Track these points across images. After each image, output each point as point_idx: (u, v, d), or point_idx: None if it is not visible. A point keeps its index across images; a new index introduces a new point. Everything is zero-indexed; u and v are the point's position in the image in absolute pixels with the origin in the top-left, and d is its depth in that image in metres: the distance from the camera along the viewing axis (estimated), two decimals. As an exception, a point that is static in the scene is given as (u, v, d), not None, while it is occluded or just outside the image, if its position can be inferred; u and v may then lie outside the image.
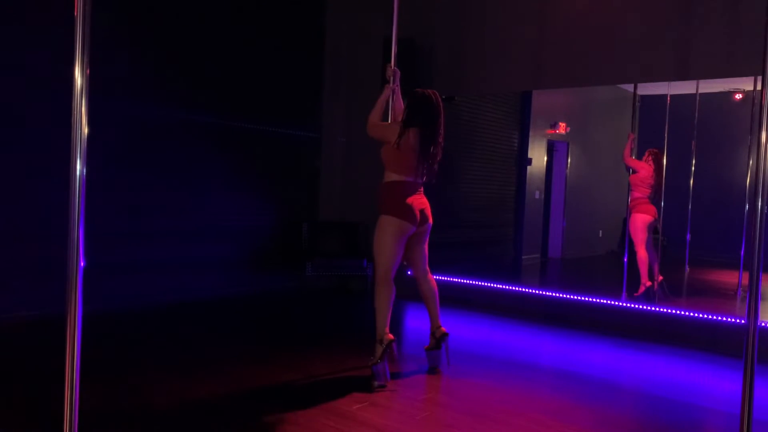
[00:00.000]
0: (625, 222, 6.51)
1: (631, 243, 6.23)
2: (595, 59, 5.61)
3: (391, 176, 3.87)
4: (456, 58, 6.48)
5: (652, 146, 6.37)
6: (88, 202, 2.22)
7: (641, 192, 6.20)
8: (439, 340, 4.10)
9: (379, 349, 3.77)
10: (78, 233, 2.16)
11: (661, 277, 6.21)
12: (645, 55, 5.34)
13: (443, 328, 4.11)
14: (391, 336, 3.83)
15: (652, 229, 6.29)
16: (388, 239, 3.82)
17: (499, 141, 7.96)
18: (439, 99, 3.90)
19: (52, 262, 3.19)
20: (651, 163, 6.19)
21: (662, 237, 6.62)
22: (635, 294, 6.04)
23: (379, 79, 6.19)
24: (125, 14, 5.57)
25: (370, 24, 7.01)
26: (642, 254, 6.08)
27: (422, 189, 3.97)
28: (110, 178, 5.35)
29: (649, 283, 6.10)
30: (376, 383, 3.69)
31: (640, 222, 6.20)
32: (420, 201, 3.92)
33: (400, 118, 4.00)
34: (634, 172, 6.25)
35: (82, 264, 2.18)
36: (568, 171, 8.45)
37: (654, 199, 6.18)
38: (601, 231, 9.18)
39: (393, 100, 4.16)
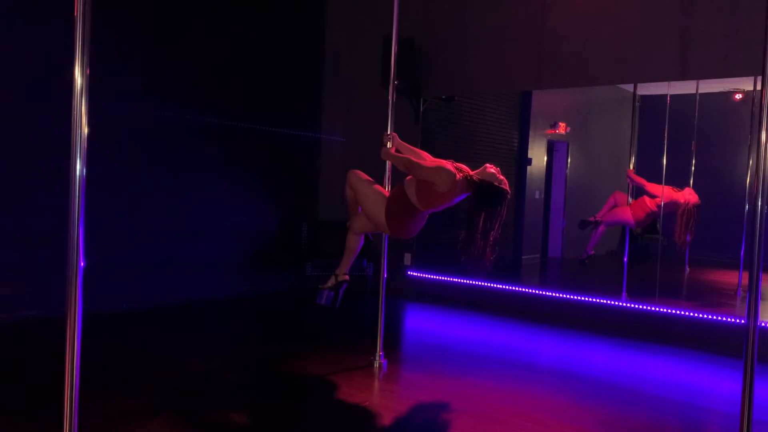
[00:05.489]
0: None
1: (624, 239, 6.33)
2: (595, 59, 5.62)
3: (415, 200, 3.55)
4: (456, 58, 6.47)
5: (651, 146, 6.36)
6: (88, 202, 2.22)
7: (653, 204, 6.15)
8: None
9: (332, 281, 4.00)
10: (78, 233, 2.17)
11: (592, 252, 6.64)
12: (645, 56, 5.35)
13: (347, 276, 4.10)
14: (347, 277, 4.03)
15: (623, 226, 6.42)
16: (374, 213, 3.69)
17: (499, 141, 7.95)
18: (508, 193, 3.50)
19: (52, 262, 3.18)
20: (677, 195, 6.03)
21: (662, 237, 6.61)
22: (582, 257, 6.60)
23: (379, 79, 6.19)
24: (125, 14, 5.57)
25: (370, 24, 7.01)
26: (602, 227, 6.47)
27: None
28: (110, 178, 5.34)
29: (591, 252, 6.56)
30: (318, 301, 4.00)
31: (621, 216, 6.30)
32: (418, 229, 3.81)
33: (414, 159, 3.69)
34: (653, 196, 6.18)
35: (82, 264, 2.19)
36: (568, 171, 8.43)
37: (656, 216, 6.15)
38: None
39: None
